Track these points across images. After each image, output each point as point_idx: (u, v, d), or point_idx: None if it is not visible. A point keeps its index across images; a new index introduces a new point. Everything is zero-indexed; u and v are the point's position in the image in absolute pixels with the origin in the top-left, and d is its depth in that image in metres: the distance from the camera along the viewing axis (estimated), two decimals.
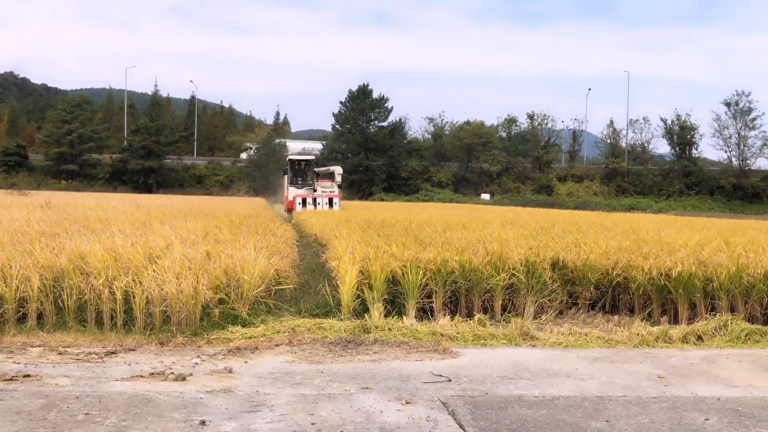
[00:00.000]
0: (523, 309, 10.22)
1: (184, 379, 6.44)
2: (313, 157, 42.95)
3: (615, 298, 11.16)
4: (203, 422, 5.24)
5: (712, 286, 10.33)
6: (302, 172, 38.71)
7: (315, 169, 39.82)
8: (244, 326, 8.72)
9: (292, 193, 36.95)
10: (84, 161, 79.85)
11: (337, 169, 38.97)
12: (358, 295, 9.62)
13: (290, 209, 35.94)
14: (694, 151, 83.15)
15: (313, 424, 5.30)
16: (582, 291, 10.93)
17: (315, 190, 37.00)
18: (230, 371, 6.79)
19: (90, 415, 5.33)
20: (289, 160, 39.65)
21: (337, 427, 5.23)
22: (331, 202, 36.27)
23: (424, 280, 9.95)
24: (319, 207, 35.23)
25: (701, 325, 9.24)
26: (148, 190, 74.24)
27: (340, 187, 38.30)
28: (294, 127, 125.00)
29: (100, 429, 5.04)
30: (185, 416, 5.38)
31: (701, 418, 5.68)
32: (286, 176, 38.34)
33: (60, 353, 7.34)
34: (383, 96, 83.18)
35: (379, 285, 9.69)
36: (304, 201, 35.87)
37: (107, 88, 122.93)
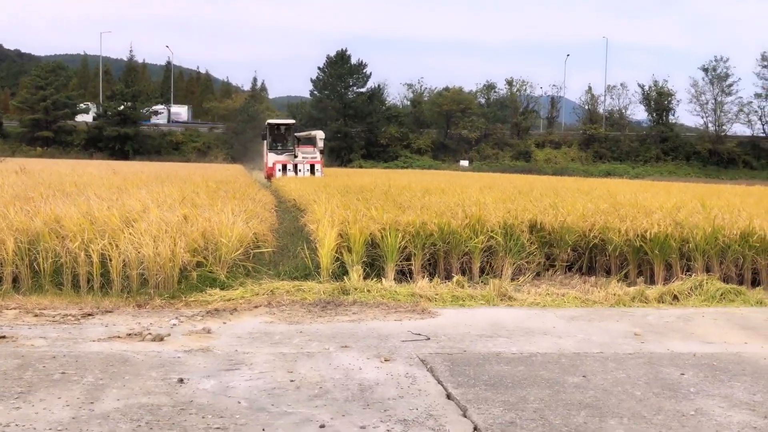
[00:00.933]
0: (501, 271, 10.28)
1: (161, 339, 6.41)
2: (293, 121, 41.32)
3: (592, 259, 11.24)
4: (181, 380, 5.23)
5: (688, 247, 10.44)
6: (282, 137, 37.44)
7: (296, 134, 38.79)
8: (222, 289, 8.68)
9: (271, 159, 35.85)
10: (59, 128, 78.75)
11: (319, 134, 37.31)
12: (337, 258, 9.61)
13: (270, 176, 34.98)
14: (671, 117, 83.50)
15: (292, 381, 5.31)
16: (559, 253, 10.99)
17: (296, 156, 35.98)
18: (209, 332, 6.77)
19: (66, 374, 5.30)
20: (268, 124, 38.23)
21: (316, 384, 5.24)
22: (312, 168, 35.28)
23: (403, 242, 9.95)
24: (300, 174, 34.29)
25: (677, 285, 9.33)
26: (125, 156, 73.35)
27: (322, 152, 36.80)
28: (272, 94, 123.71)
29: (77, 387, 5.01)
30: (163, 374, 5.36)
31: (677, 372, 5.76)
32: (265, 141, 37.20)
33: (36, 315, 7.27)
34: (361, 61, 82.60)
35: (358, 248, 9.67)
36: (284, 167, 35.01)
37: (82, 54, 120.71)
